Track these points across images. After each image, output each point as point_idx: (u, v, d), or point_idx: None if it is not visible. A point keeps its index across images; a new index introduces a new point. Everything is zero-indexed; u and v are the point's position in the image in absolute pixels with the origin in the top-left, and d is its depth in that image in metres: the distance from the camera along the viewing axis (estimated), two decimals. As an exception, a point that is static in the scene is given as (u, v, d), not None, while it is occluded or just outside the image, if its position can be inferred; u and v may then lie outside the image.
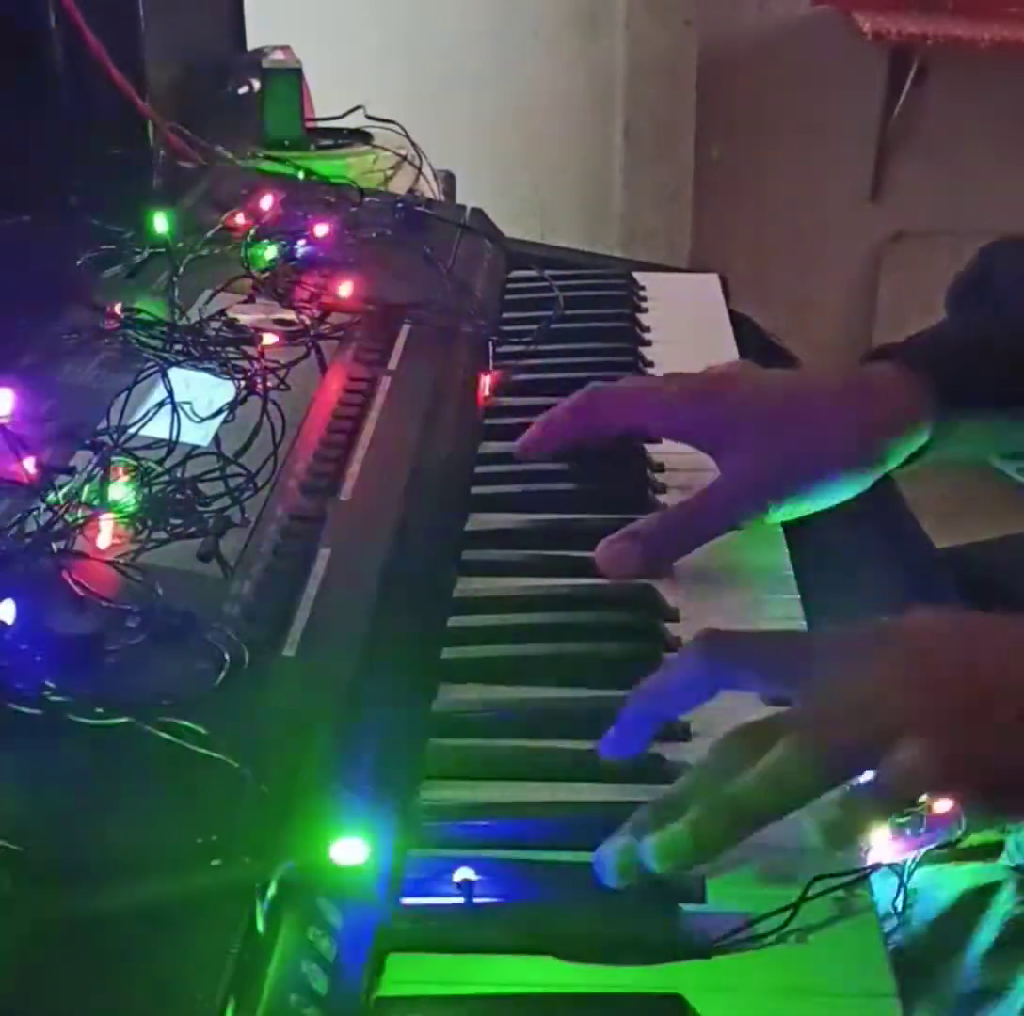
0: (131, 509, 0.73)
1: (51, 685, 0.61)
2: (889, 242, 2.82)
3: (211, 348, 0.91)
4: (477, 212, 1.32)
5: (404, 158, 1.44)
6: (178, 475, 0.76)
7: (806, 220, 2.83)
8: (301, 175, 1.27)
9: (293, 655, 0.67)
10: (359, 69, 2.18)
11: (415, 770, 0.69)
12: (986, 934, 0.73)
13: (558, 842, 0.64)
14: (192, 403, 0.82)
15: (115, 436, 0.77)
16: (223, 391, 0.86)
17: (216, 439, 0.81)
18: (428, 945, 0.59)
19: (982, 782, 0.60)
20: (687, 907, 0.61)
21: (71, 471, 0.74)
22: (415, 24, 2.56)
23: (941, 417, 0.84)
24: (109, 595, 0.67)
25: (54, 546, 0.69)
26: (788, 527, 0.89)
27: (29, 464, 0.73)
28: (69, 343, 0.89)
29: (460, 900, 0.60)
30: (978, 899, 0.75)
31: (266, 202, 1.12)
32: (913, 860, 0.71)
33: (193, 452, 0.78)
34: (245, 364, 0.89)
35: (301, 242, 1.08)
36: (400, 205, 1.23)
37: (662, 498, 0.92)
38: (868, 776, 0.59)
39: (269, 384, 0.86)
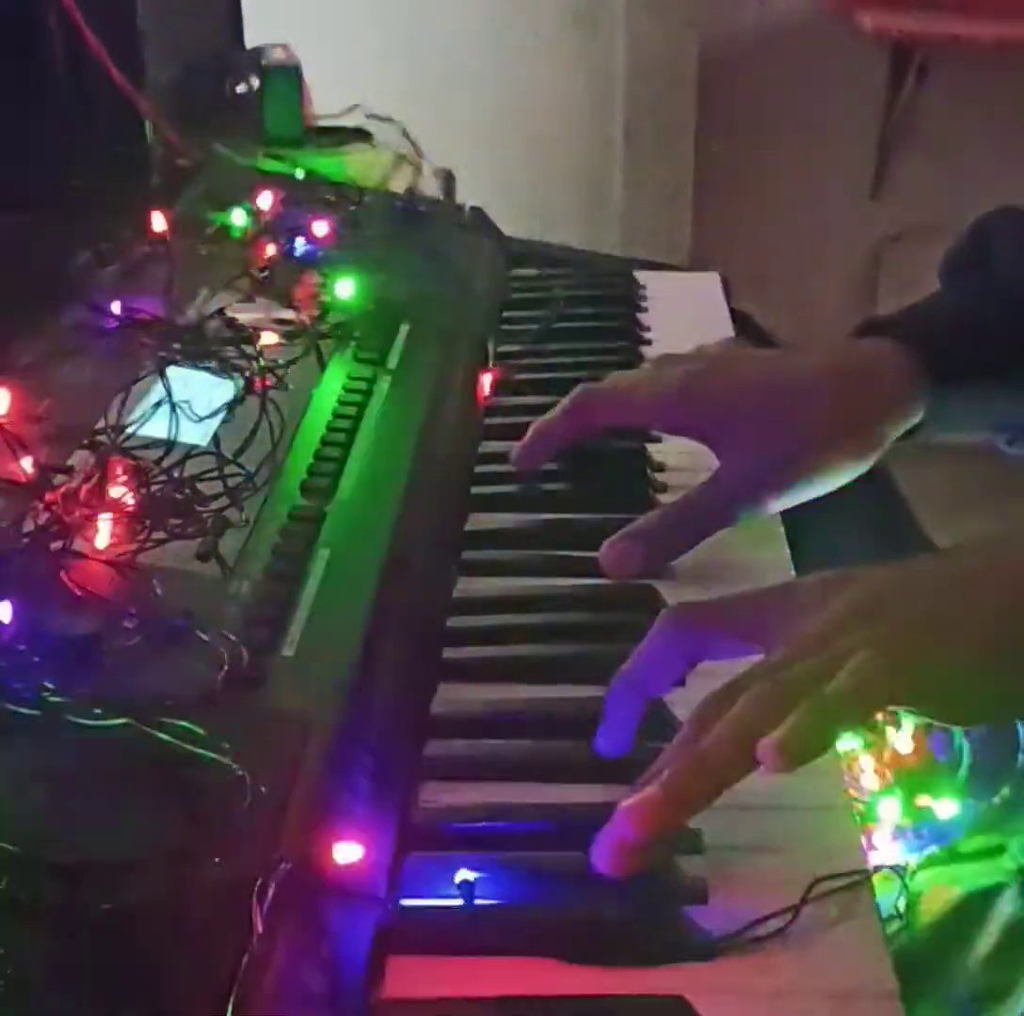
0: (129, 509, 0.73)
1: (49, 686, 0.60)
2: (889, 242, 2.82)
3: (210, 347, 0.90)
4: (477, 211, 1.32)
5: (403, 157, 1.44)
6: (176, 475, 0.76)
7: (806, 220, 2.83)
8: (300, 173, 1.27)
9: (292, 655, 0.67)
10: (358, 68, 2.17)
11: (415, 770, 0.69)
12: (988, 937, 0.73)
13: (558, 842, 0.64)
14: (191, 402, 0.82)
15: (113, 435, 0.77)
16: (222, 390, 0.86)
17: (215, 438, 0.80)
18: (428, 946, 0.59)
19: (930, 695, 0.61)
20: (687, 907, 0.61)
21: (69, 471, 0.74)
22: (415, 23, 2.56)
23: (935, 393, 0.83)
24: (107, 595, 0.67)
25: (52, 546, 0.69)
26: (788, 525, 0.88)
27: (27, 463, 0.73)
28: (67, 342, 0.89)
29: (460, 901, 0.60)
30: (980, 901, 0.74)
31: (265, 200, 1.12)
32: (915, 862, 0.71)
33: (192, 451, 0.78)
34: (244, 363, 0.89)
35: (300, 240, 1.08)
36: (399, 204, 1.23)
37: (662, 498, 0.92)
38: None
39: (268, 383, 0.86)
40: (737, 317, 1.20)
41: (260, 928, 0.52)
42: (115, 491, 0.74)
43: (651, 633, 0.67)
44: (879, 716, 0.62)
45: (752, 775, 0.59)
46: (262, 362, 0.89)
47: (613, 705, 0.67)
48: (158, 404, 0.81)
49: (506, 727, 0.72)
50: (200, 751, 0.58)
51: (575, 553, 0.85)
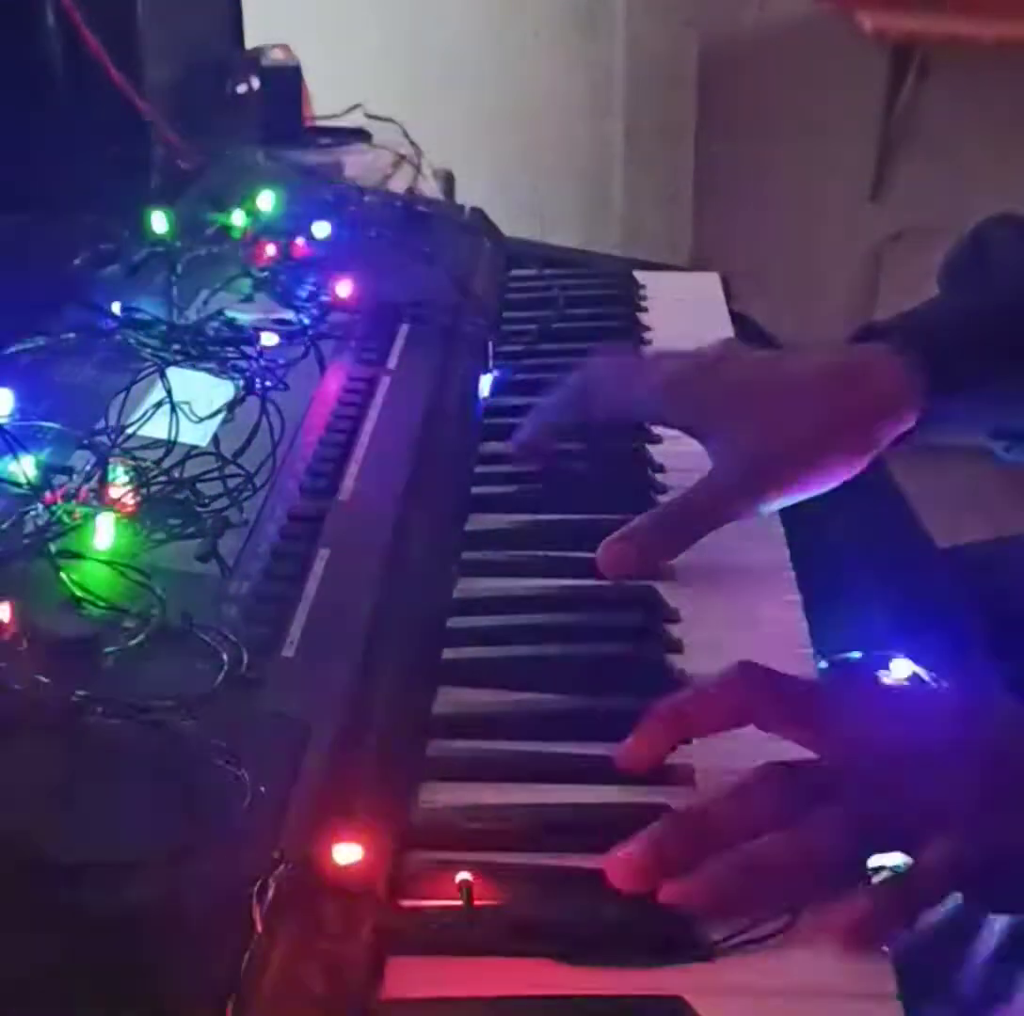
0: (129, 509, 0.73)
1: (49, 686, 0.60)
2: (889, 242, 2.82)
3: (210, 348, 0.90)
4: (477, 211, 1.32)
5: (403, 157, 1.44)
6: (176, 475, 0.76)
7: (806, 220, 2.83)
8: (300, 174, 1.27)
9: (292, 656, 0.67)
10: (358, 68, 2.18)
11: (414, 771, 0.69)
12: (989, 937, 0.73)
13: (558, 843, 0.64)
14: (191, 403, 0.82)
15: (113, 436, 0.77)
16: (222, 391, 0.86)
17: (215, 439, 0.80)
18: (427, 947, 0.59)
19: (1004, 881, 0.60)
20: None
21: (69, 471, 0.74)
22: (415, 23, 2.56)
23: (931, 400, 0.83)
24: (107, 596, 0.67)
25: (52, 546, 0.69)
26: (788, 525, 0.88)
27: (27, 464, 0.73)
28: (67, 342, 0.89)
29: (459, 902, 0.60)
30: (981, 902, 0.74)
31: (265, 200, 1.11)
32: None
33: (191, 452, 0.78)
34: (244, 364, 0.89)
35: (300, 240, 1.08)
36: (399, 204, 1.23)
37: (662, 499, 0.92)
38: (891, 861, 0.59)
39: (268, 384, 0.86)
40: (737, 317, 1.20)
41: (260, 928, 0.52)
42: (115, 491, 0.74)
43: (717, 682, 0.65)
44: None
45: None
46: (262, 362, 0.89)
47: (652, 731, 0.65)
48: (158, 404, 0.81)
49: (506, 727, 0.72)
50: (200, 751, 0.58)
51: (575, 553, 0.85)
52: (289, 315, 0.98)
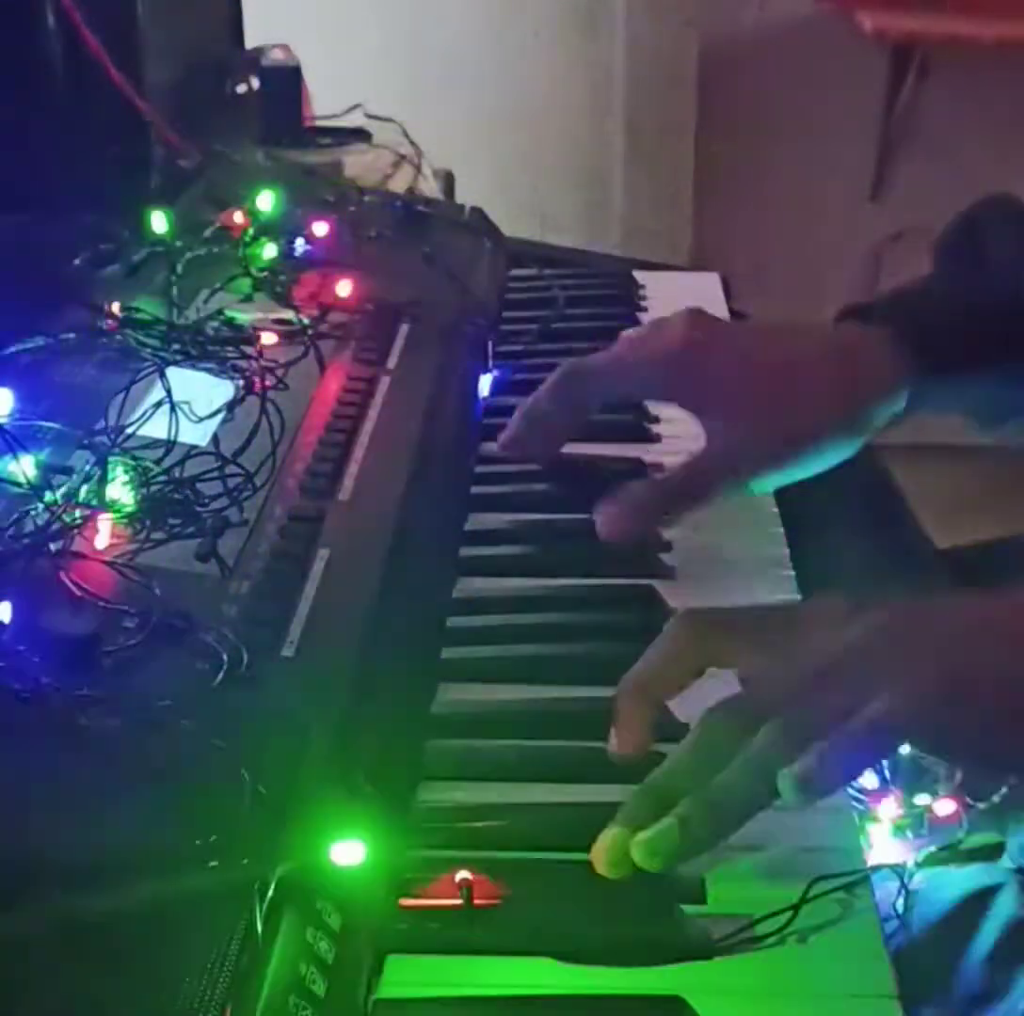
0: (129, 509, 0.73)
1: (49, 686, 0.60)
2: (889, 242, 2.81)
3: (209, 347, 0.90)
4: (477, 211, 1.32)
5: (403, 157, 1.44)
6: (176, 475, 0.76)
7: (806, 220, 2.82)
8: (300, 174, 1.27)
9: (292, 655, 0.67)
10: (358, 68, 2.18)
11: (414, 771, 0.69)
12: (987, 936, 0.73)
13: (558, 842, 0.64)
14: (190, 403, 0.82)
15: (113, 436, 0.77)
16: (221, 391, 0.86)
17: (214, 439, 0.80)
18: (427, 946, 0.59)
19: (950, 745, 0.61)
20: (687, 908, 0.61)
21: (69, 471, 0.74)
22: (415, 23, 2.56)
23: (921, 383, 0.84)
24: (107, 595, 0.67)
25: (52, 546, 0.69)
26: (788, 525, 0.88)
27: (27, 464, 0.73)
28: (67, 342, 0.89)
29: (459, 901, 0.60)
30: (979, 901, 0.74)
31: (265, 201, 1.11)
32: (914, 862, 0.71)
33: (191, 452, 0.78)
34: (244, 363, 0.89)
35: (300, 241, 1.08)
36: (399, 204, 1.23)
37: (662, 498, 0.92)
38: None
39: (268, 384, 0.86)
40: (737, 317, 1.20)
41: (260, 928, 0.52)
42: (115, 491, 0.74)
43: (664, 636, 0.66)
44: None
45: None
46: (262, 362, 0.89)
47: (623, 706, 0.65)
48: (158, 404, 0.81)
49: (506, 727, 0.72)
50: (200, 751, 0.58)
51: (575, 553, 0.85)
52: (289, 315, 0.98)
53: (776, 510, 0.92)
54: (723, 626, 0.66)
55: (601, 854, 0.60)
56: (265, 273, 1.03)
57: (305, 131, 1.44)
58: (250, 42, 1.48)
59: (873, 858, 0.64)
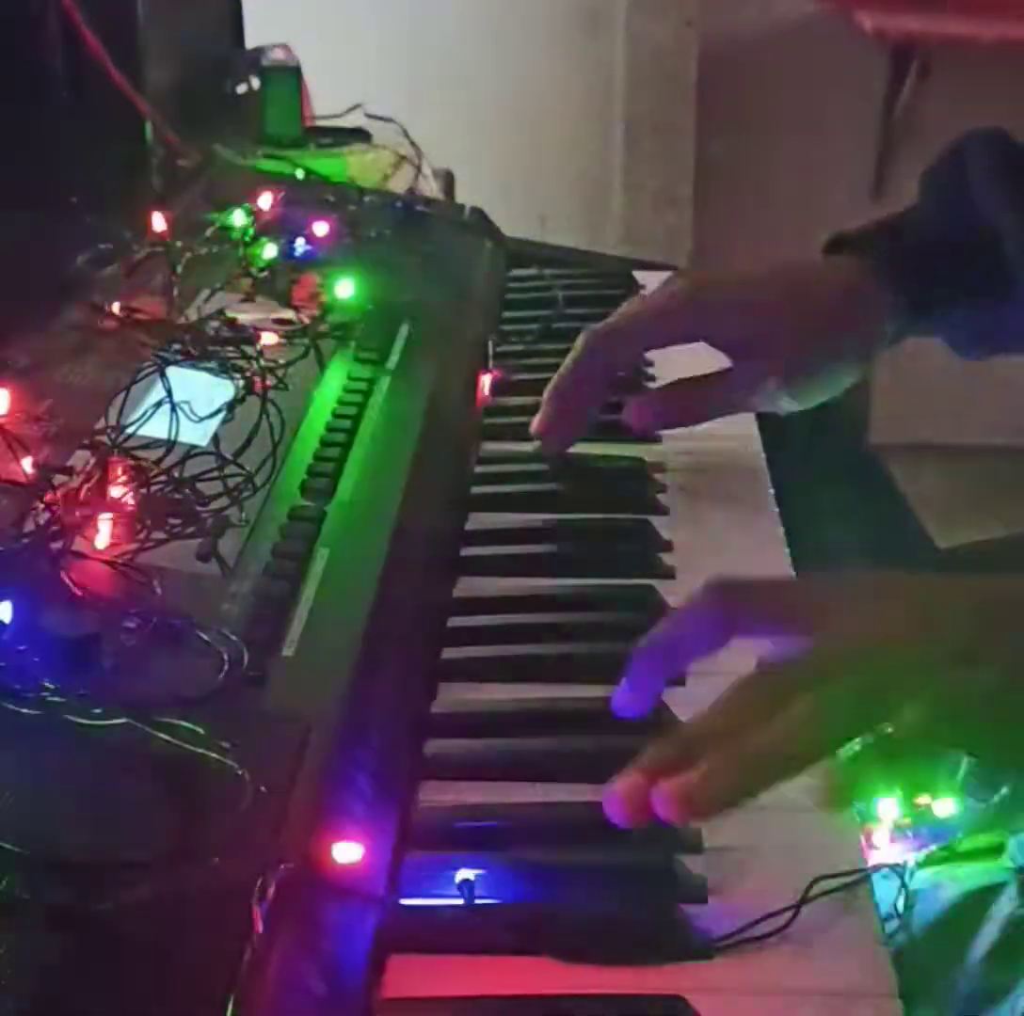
0: (129, 509, 0.73)
1: (49, 685, 0.60)
2: (889, 242, 2.81)
3: (210, 347, 0.90)
4: (477, 211, 1.32)
5: (403, 157, 1.44)
6: (176, 475, 0.76)
7: (806, 220, 2.82)
8: (300, 174, 1.27)
9: (292, 655, 0.67)
10: (358, 68, 2.17)
11: (415, 770, 0.69)
12: (987, 935, 0.73)
13: (558, 842, 0.64)
14: (191, 402, 0.82)
15: (113, 435, 0.77)
16: (222, 390, 0.86)
17: (215, 439, 0.80)
18: (428, 946, 0.59)
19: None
20: (687, 907, 0.61)
21: (69, 471, 0.74)
22: (415, 23, 2.56)
23: (902, 308, 0.93)
24: (107, 595, 0.67)
25: (52, 546, 0.69)
26: (788, 525, 0.88)
27: (27, 464, 0.73)
28: (67, 342, 0.89)
29: (460, 900, 0.60)
30: (980, 900, 0.74)
31: (265, 201, 1.11)
32: (914, 862, 0.71)
33: (192, 452, 0.78)
34: (244, 363, 0.89)
35: (300, 241, 1.08)
36: (399, 204, 1.23)
37: (662, 499, 0.92)
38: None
39: (268, 383, 0.86)
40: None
41: (260, 928, 0.52)
42: (115, 491, 0.73)
43: (692, 603, 0.64)
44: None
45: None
46: (262, 362, 0.89)
47: (640, 669, 0.63)
48: (158, 404, 0.81)
49: (506, 727, 0.72)
50: (200, 751, 0.58)
51: (575, 553, 0.85)
52: (289, 315, 0.98)
53: (776, 510, 0.92)
54: (755, 595, 0.64)
55: (617, 798, 0.58)
56: (265, 273, 1.03)
57: (305, 131, 1.44)
58: (250, 42, 1.48)
59: (873, 858, 0.64)
